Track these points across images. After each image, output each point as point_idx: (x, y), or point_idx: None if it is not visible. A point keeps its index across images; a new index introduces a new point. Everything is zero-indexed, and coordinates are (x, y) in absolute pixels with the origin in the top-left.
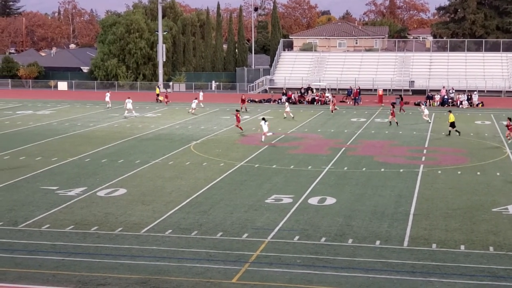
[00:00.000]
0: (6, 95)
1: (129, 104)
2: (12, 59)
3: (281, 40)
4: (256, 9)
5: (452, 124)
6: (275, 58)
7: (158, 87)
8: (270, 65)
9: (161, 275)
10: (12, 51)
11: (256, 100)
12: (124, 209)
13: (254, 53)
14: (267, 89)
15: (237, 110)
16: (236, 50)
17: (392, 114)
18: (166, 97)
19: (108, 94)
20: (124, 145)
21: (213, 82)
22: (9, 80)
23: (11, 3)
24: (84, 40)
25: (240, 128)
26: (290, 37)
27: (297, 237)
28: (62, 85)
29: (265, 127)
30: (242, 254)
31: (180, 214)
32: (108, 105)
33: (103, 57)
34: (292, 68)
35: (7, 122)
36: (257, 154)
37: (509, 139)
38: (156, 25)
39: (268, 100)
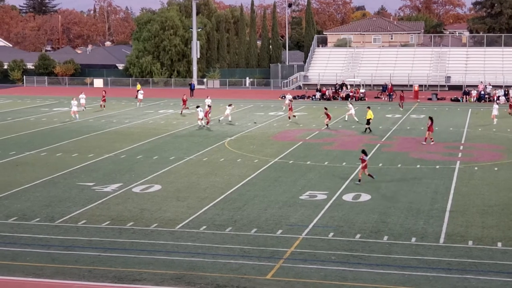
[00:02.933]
0: (43, 92)
1: (82, 99)
2: (48, 57)
3: (315, 36)
4: (290, 5)
5: (368, 121)
6: (309, 54)
7: (139, 83)
8: (304, 61)
9: (195, 271)
10: (49, 48)
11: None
12: (159, 205)
13: (288, 50)
14: (301, 85)
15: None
16: (270, 46)
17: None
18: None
19: (83, 96)
20: (158, 142)
21: (247, 78)
22: (46, 77)
23: (47, 1)
24: (119, 37)
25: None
26: (324, 33)
27: (331, 234)
28: (98, 82)
29: (200, 113)
30: (277, 251)
31: (215, 210)
32: (82, 108)
33: (138, 54)
34: (326, 64)
35: (44, 119)
36: (292, 151)
37: None
38: (191, 22)
39: (302, 97)
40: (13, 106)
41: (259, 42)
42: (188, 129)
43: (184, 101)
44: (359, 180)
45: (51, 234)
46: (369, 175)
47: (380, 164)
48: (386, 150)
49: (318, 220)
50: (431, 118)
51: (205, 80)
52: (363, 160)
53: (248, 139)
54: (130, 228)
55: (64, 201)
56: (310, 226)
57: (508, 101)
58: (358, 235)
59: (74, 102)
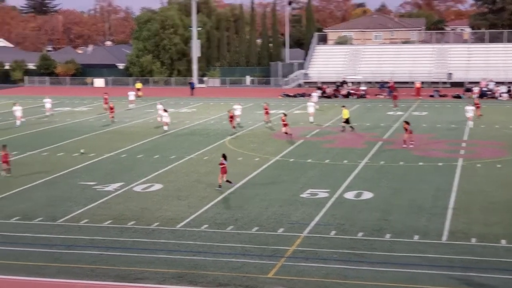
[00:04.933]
0: (44, 92)
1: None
2: (49, 57)
3: (316, 34)
4: (290, 3)
5: (347, 121)
6: (309, 52)
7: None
8: (305, 59)
9: (197, 269)
10: (49, 48)
11: (291, 94)
12: (160, 204)
13: (289, 48)
14: (302, 83)
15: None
16: (270, 44)
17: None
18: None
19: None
20: (159, 141)
21: (247, 77)
22: (47, 77)
23: (47, 1)
24: (120, 37)
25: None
26: (325, 30)
27: (333, 232)
28: (99, 82)
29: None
30: (278, 249)
31: (216, 209)
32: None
33: (138, 54)
34: (327, 62)
35: (45, 119)
36: (292, 149)
37: None
38: (191, 21)
39: (303, 95)
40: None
41: (259, 41)
42: (189, 128)
43: (111, 108)
44: (220, 186)
45: (53, 233)
46: (227, 181)
47: (382, 162)
48: (388, 147)
49: (320, 218)
50: (407, 122)
51: (205, 79)
52: (222, 164)
53: (249, 137)
54: (132, 227)
55: (65, 201)
56: (312, 224)
57: (511, 97)
58: (360, 233)
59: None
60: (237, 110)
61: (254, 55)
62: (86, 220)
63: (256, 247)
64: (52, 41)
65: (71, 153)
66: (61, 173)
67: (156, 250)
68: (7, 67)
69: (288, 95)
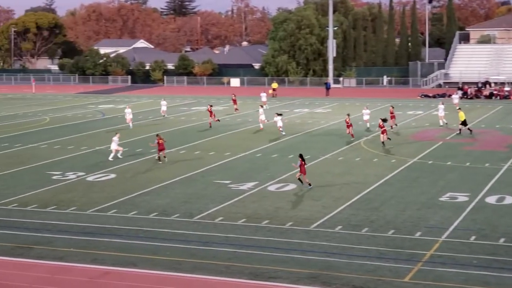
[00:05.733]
0: (182, 91)
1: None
2: (187, 57)
3: (457, 33)
4: (430, 1)
5: (464, 123)
6: (450, 51)
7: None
8: (445, 59)
9: (331, 270)
10: (188, 49)
11: (430, 95)
12: (294, 204)
13: (428, 47)
14: (442, 83)
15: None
16: (409, 43)
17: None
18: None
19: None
20: (294, 141)
21: (385, 77)
22: (185, 77)
23: (187, 3)
24: (256, 37)
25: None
26: (467, 29)
27: (473, 237)
28: (235, 82)
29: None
30: (415, 253)
31: (350, 210)
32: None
33: (274, 54)
34: (469, 61)
35: (182, 118)
36: (431, 151)
37: None
38: (327, 21)
39: (443, 95)
40: (153, 106)
41: (397, 40)
42: (324, 128)
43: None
44: (310, 184)
45: (189, 229)
46: (299, 179)
47: None
48: None
49: (459, 223)
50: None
51: (341, 79)
52: (301, 164)
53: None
54: (266, 226)
55: (202, 198)
56: (450, 228)
57: None
58: (502, 239)
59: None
60: (365, 115)
61: (392, 54)
62: (221, 218)
63: (392, 251)
64: (190, 42)
65: (207, 152)
66: (197, 171)
67: (290, 250)
68: (147, 67)
69: (427, 96)
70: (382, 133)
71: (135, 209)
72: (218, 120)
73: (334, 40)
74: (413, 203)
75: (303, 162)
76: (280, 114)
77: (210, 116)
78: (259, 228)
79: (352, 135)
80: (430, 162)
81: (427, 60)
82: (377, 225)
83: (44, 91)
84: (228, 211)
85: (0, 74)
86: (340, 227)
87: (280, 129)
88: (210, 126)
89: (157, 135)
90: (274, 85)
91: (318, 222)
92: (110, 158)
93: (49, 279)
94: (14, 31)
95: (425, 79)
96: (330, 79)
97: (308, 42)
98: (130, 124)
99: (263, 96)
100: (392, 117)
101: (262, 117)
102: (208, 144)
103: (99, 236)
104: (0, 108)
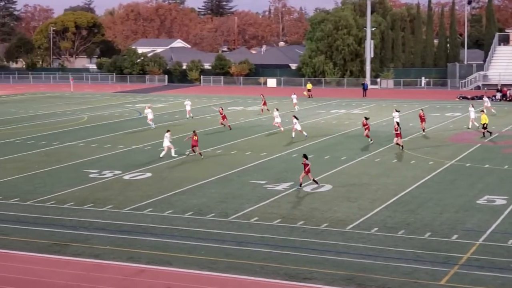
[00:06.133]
0: (219, 91)
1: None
2: (224, 57)
3: (497, 34)
4: (469, 2)
5: (485, 126)
6: (489, 53)
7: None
8: (484, 61)
9: (366, 272)
10: (225, 49)
11: (469, 97)
12: (330, 205)
13: (467, 48)
14: (480, 85)
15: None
16: (448, 45)
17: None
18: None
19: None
20: (330, 141)
21: (423, 78)
22: (222, 77)
23: (224, 3)
24: (293, 37)
25: None
26: (507, 30)
27: (511, 241)
28: (271, 82)
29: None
30: (451, 256)
31: (387, 212)
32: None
33: (311, 54)
34: (508, 63)
35: (218, 118)
36: (469, 153)
37: None
38: (365, 21)
39: (481, 97)
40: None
41: (436, 41)
42: (360, 129)
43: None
44: (300, 185)
45: (224, 229)
46: (314, 180)
47: None
48: None
49: (497, 226)
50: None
51: (378, 80)
52: (305, 165)
53: (423, 140)
54: (301, 226)
55: (237, 198)
56: (488, 232)
57: None
58: None
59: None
60: (396, 117)
61: (430, 55)
62: (256, 218)
63: (428, 253)
64: (227, 42)
65: (244, 152)
66: (233, 170)
67: (325, 251)
68: (184, 67)
69: (465, 98)
70: (366, 129)
71: (170, 208)
72: (230, 127)
73: (372, 41)
74: (450, 205)
75: (306, 162)
76: (297, 118)
77: (223, 119)
78: (294, 228)
79: (370, 138)
80: (467, 164)
81: (465, 62)
82: (414, 228)
83: (82, 90)
84: (264, 211)
85: (39, 73)
86: (376, 229)
87: (303, 132)
88: (230, 128)
89: (194, 131)
90: (309, 86)
91: (354, 224)
92: (161, 156)
93: (85, 276)
94: (53, 30)
95: (463, 80)
96: (368, 80)
97: (345, 42)
98: (152, 124)
99: (294, 98)
100: (422, 120)
101: (278, 120)
102: (244, 144)
103: (134, 235)
104: (39, 106)
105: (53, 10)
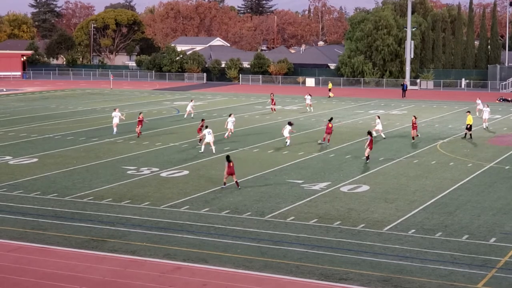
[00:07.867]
0: (257, 90)
1: (115, 118)
2: (263, 56)
3: None
4: (511, 4)
5: (467, 127)
6: None
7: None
8: None
9: (403, 274)
10: (264, 48)
11: (509, 99)
12: (367, 206)
13: (508, 50)
14: None
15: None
16: (489, 46)
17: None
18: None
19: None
20: None
21: (463, 79)
22: (260, 76)
23: (264, 2)
24: (332, 37)
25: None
26: None
27: None
28: (310, 81)
29: (285, 131)
30: (489, 259)
31: (424, 214)
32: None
33: (350, 54)
34: None
35: (257, 117)
36: (508, 155)
37: None
38: (405, 21)
39: None
40: (228, 103)
41: (476, 42)
42: (399, 130)
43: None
44: (225, 184)
45: (260, 228)
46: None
47: None
48: None
49: None
50: (370, 133)
51: (418, 80)
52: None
53: (462, 142)
54: (337, 227)
55: (274, 197)
56: None
57: None
58: None
59: (115, 114)
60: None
61: (471, 57)
62: (292, 217)
63: (466, 256)
64: (266, 40)
65: (281, 151)
66: (270, 170)
67: (361, 252)
68: (223, 65)
69: (506, 100)
70: (414, 128)
71: (207, 206)
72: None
73: (412, 41)
74: (488, 208)
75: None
76: (291, 124)
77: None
78: (330, 228)
79: (413, 138)
80: (507, 167)
81: (506, 64)
82: (451, 230)
83: (121, 87)
84: (300, 210)
85: (79, 69)
86: (413, 230)
87: (288, 139)
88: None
89: (202, 119)
90: (330, 85)
91: (391, 225)
92: (200, 151)
93: (122, 272)
94: (94, 27)
95: (504, 82)
96: (407, 80)
97: (385, 42)
98: (115, 130)
99: (308, 99)
100: (414, 127)
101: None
102: (281, 143)
103: (171, 232)
104: (78, 102)
105: (94, 7)
